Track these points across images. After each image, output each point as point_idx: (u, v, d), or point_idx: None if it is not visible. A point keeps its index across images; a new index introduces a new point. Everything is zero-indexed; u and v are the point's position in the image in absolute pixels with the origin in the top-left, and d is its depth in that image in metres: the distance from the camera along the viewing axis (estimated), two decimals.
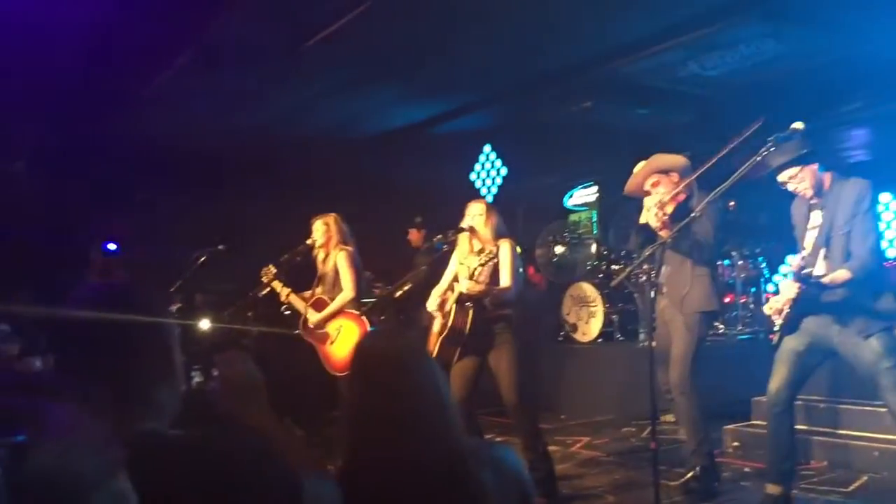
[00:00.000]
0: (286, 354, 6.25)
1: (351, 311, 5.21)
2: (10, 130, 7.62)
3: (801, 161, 3.64)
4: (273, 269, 5.53)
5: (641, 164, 4.45)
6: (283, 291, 5.47)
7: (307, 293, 5.45)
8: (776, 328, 3.77)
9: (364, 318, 5.17)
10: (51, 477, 0.72)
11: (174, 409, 1.52)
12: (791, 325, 3.71)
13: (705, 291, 4.30)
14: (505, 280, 4.36)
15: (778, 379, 3.77)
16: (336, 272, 5.30)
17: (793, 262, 3.61)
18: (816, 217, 3.73)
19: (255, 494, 1.31)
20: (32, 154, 8.23)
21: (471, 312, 4.34)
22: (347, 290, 5.20)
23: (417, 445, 1.71)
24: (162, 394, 1.48)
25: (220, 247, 6.18)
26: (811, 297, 3.57)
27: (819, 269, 3.60)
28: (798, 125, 3.50)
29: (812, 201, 3.73)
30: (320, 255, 5.41)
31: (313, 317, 5.28)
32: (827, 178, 3.70)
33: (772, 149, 3.48)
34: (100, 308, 1.42)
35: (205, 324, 6.66)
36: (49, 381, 1.19)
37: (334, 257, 5.31)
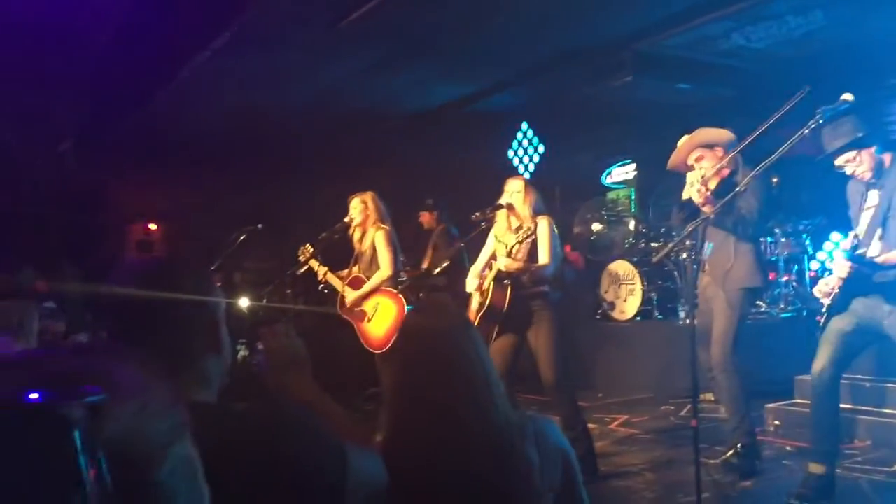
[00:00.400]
0: (325, 332, 6.32)
1: (388, 289, 5.23)
2: (55, 113, 7.76)
3: (859, 144, 3.54)
4: (310, 248, 5.57)
5: (685, 138, 4.38)
6: (321, 270, 5.51)
7: (344, 272, 5.48)
8: (824, 310, 3.70)
9: (401, 295, 5.18)
10: (126, 437, 0.73)
11: (222, 382, 1.54)
12: (839, 306, 3.64)
13: (749, 267, 4.23)
14: (543, 257, 4.34)
15: (823, 358, 3.70)
16: (374, 250, 5.32)
17: (846, 241, 3.53)
18: (874, 197, 3.63)
19: (303, 465, 1.32)
20: (77, 136, 8.38)
21: (509, 290, 4.33)
22: (385, 268, 5.22)
23: (462, 420, 1.71)
24: (210, 366, 1.50)
25: (259, 226, 6.26)
26: (862, 278, 3.48)
27: (873, 250, 3.52)
28: (847, 96, 3.40)
29: (871, 181, 3.63)
30: (357, 234, 5.43)
31: (350, 295, 5.32)
32: (887, 158, 3.61)
33: (820, 121, 3.39)
34: (147, 283, 1.44)
35: (244, 302, 6.75)
36: (104, 350, 1.21)
37: (371, 236, 5.33)
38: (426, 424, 1.73)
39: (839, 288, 3.57)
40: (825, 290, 3.64)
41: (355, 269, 5.42)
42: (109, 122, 8.10)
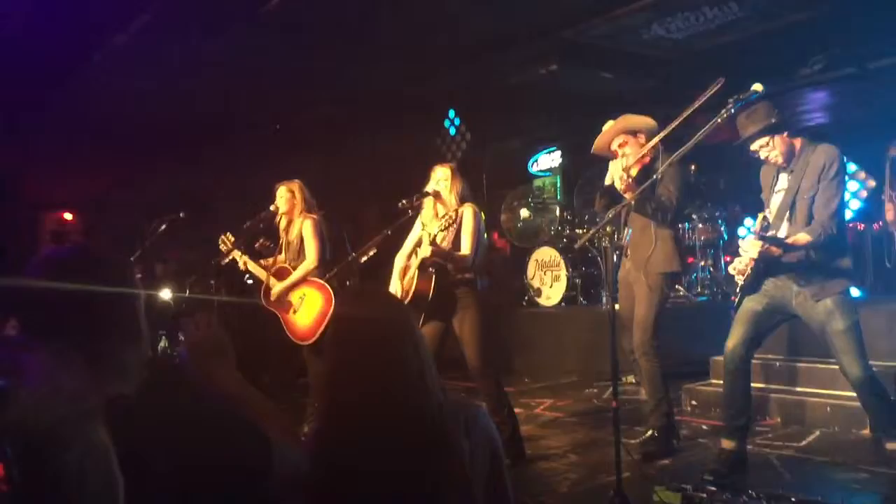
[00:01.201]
0: (251, 323, 6.21)
1: (315, 279, 5.17)
2: None
3: (772, 130, 3.68)
4: (231, 238, 5.44)
5: (610, 123, 4.47)
6: (242, 260, 5.39)
7: (269, 261, 5.39)
8: (738, 290, 3.84)
9: (328, 285, 5.13)
10: (29, 423, 0.71)
11: (141, 374, 1.51)
12: (752, 286, 3.79)
13: (668, 253, 4.36)
14: (465, 246, 4.37)
15: (735, 337, 3.85)
16: (301, 240, 5.23)
17: (756, 223, 3.67)
18: (784, 180, 3.79)
19: (226, 457, 1.31)
20: None
21: (433, 277, 4.36)
22: (311, 259, 5.14)
23: (396, 409, 1.71)
24: (129, 358, 1.47)
25: (181, 214, 6.08)
26: (772, 259, 3.64)
27: (782, 231, 3.67)
28: (757, 86, 3.53)
29: (782, 166, 3.79)
30: (283, 223, 5.35)
31: (276, 286, 5.23)
32: (797, 143, 3.76)
33: (732, 110, 3.51)
34: (62, 273, 1.40)
35: (166, 293, 6.57)
36: (19, 340, 1.17)
37: (299, 225, 5.24)
38: (358, 414, 1.71)
39: (751, 268, 3.71)
40: (739, 267, 3.78)
41: (281, 258, 5.33)
42: (23, 107, 7.75)
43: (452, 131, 9.48)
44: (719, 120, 3.48)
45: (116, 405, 1.29)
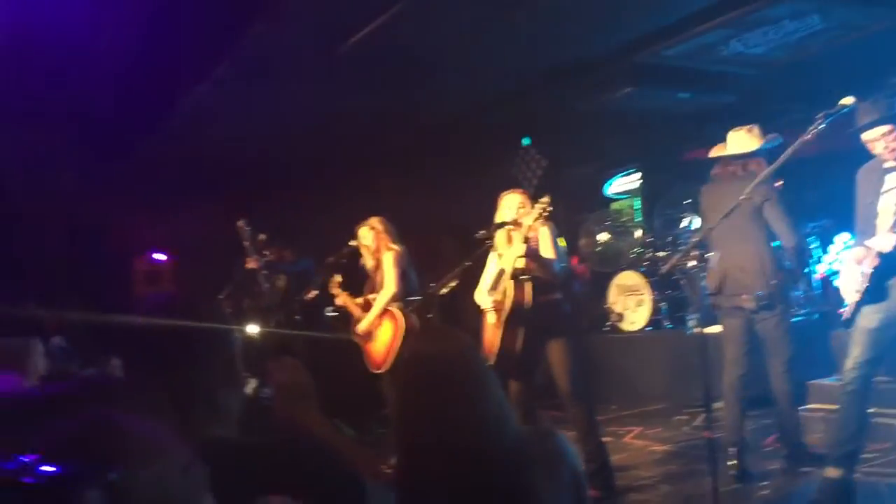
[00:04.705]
0: (334, 356, 6.32)
1: (389, 308, 5.23)
2: (58, 146, 7.82)
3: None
4: (339, 279, 5.60)
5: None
6: (340, 297, 5.56)
7: (360, 299, 5.54)
8: (847, 303, 3.64)
9: (400, 314, 5.16)
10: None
11: (238, 415, 1.54)
12: (866, 299, 3.58)
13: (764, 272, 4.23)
14: (548, 254, 4.30)
15: (854, 358, 3.63)
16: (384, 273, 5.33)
17: (875, 238, 3.46)
18: (892, 180, 3.59)
19: (325, 497, 1.32)
20: (82, 169, 8.43)
21: (529, 286, 4.25)
22: (389, 288, 5.21)
23: (472, 446, 1.68)
24: (227, 400, 1.50)
25: (266, 254, 6.32)
26: (888, 269, 3.43)
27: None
28: (847, 100, 3.40)
29: (886, 165, 3.60)
30: (369, 262, 5.44)
31: (364, 319, 5.34)
32: None
33: (820, 126, 3.39)
34: (163, 317, 1.45)
35: (253, 328, 6.76)
36: (114, 389, 1.21)
37: (382, 259, 5.34)
38: (435, 452, 1.70)
39: (868, 282, 3.49)
40: (849, 283, 3.57)
41: (371, 296, 5.45)
42: (114, 155, 8.16)
43: (527, 158, 9.46)
44: (808, 136, 3.36)
45: (216, 447, 1.32)
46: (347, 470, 1.38)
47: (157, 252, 9.52)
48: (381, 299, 5.24)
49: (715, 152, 4.49)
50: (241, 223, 6.25)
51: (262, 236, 6.49)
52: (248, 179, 8.54)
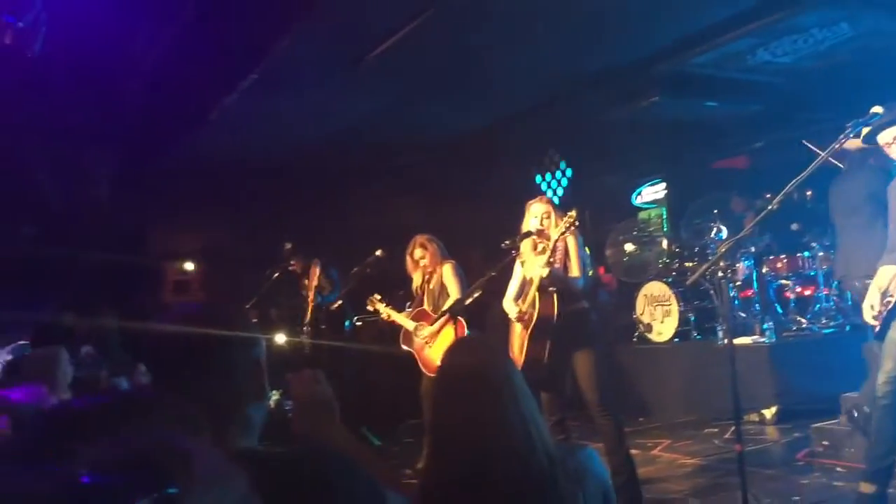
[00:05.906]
0: (359, 366, 6.35)
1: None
2: (88, 157, 7.96)
3: None
4: (377, 297, 5.73)
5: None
6: (385, 312, 5.64)
7: (405, 312, 5.66)
8: (875, 314, 3.57)
9: (462, 321, 5.21)
10: None
11: (263, 426, 1.54)
12: None
13: None
14: (574, 270, 4.28)
15: (886, 370, 3.54)
16: (442, 286, 5.46)
17: None
18: None
19: None
20: (112, 179, 8.57)
21: (556, 297, 4.23)
22: (454, 295, 5.34)
23: (502, 461, 1.68)
24: (253, 411, 1.51)
25: (291, 264, 6.40)
26: None
27: None
28: (877, 109, 3.35)
29: None
30: (417, 279, 5.58)
31: (424, 329, 5.38)
32: None
33: (850, 135, 3.34)
34: (194, 325, 1.45)
35: (280, 338, 6.83)
36: (144, 399, 1.22)
37: (439, 272, 5.45)
38: (459, 464, 1.70)
39: None
40: (877, 297, 3.49)
41: (424, 307, 5.54)
42: (143, 165, 8.28)
43: (552, 168, 9.44)
44: (837, 146, 3.31)
45: (243, 459, 1.32)
46: (367, 481, 1.37)
47: (186, 261, 9.62)
48: (448, 306, 5.28)
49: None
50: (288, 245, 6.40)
51: (287, 245, 6.57)
52: (275, 189, 8.63)
